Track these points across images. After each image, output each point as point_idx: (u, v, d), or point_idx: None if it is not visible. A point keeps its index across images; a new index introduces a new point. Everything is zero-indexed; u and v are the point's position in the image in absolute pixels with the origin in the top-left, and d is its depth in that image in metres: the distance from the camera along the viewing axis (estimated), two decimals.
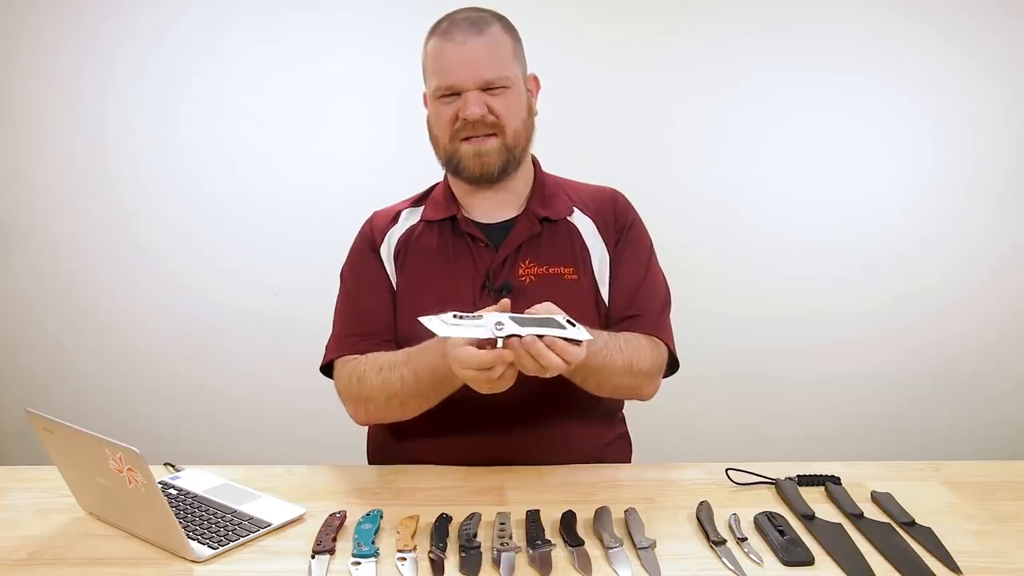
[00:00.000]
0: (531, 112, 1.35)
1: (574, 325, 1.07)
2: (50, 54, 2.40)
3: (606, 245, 1.37)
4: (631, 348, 1.25)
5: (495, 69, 1.26)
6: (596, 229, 1.38)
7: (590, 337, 1.09)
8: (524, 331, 1.05)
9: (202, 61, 2.39)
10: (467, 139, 1.29)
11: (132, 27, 2.38)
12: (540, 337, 1.05)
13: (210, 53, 2.39)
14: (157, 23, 2.37)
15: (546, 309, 1.10)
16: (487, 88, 1.27)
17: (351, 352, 1.33)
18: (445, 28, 1.28)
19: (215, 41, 2.38)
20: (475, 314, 1.06)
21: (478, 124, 1.27)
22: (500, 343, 1.06)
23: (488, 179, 1.32)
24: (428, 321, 1.06)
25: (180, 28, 2.38)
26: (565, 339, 1.06)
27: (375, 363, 1.27)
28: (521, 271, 1.32)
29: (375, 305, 1.37)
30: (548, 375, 1.07)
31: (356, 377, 1.28)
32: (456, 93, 1.27)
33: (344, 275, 1.44)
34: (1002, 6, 2.32)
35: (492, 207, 1.37)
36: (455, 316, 1.06)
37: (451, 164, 1.33)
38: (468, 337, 1.06)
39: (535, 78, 1.38)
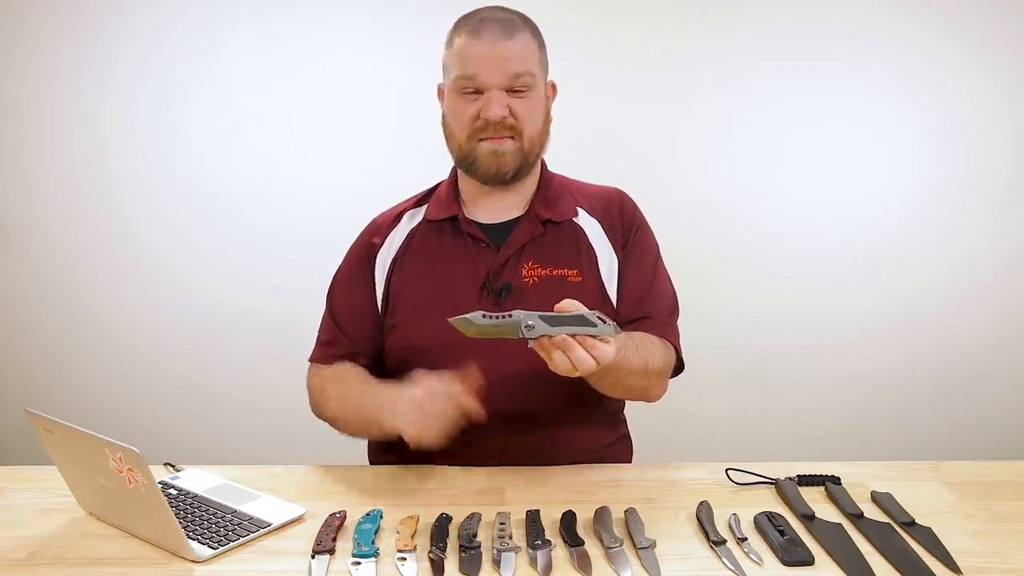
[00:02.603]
0: (548, 118, 1.35)
1: (605, 322, 1.06)
2: (50, 54, 2.40)
3: (613, 248, 1.36)
4: (646, 348, 1.24)
5: (522, 68, 1.26)
6: (603, 231, 1.37)
7: (620, 332, 1.09)
8: (554, 331, 1.04)
9: (202, 61, 2.39)
10: (485, 139, 1.29)
11: (132, 27, 2.38)
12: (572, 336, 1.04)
13: (210, 53, 2.39)
14: (157, 23, 2.37)
15: (576, 307, 1.07)
16: (510, 89, 1.26)
17: (326, 363, 1.40)
18: (474, 26, 1.27)
19: (215, 41, 2.38)
20: (504, 314, 1.05)
21: (498, 125, 1.27)
22: (530, 344, 1.05)
23: (502, 179, 1.32)
24: (457, 321, 1.05)
25: (180, 28, 2.37)
26: (594, 336, 1.05)
27: (338, 388, 1.34)
28: (524, 272, 1.32)
29: (353, 328, 1.40)
30: (577, 374, 1.07)
31: (319, 392, 1.38)
32: (479, 91, 1.27)
33: (334, 284, 1.45)
34: (1004, 7, 2.32)
35: (498, 208, 1.37)
36: (484, 315, 1.05)
37: (466, 162, 1.33)
38: (496, 337, 1.05)
39: (553, 84, 1.37)
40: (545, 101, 1.34)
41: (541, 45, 1.32)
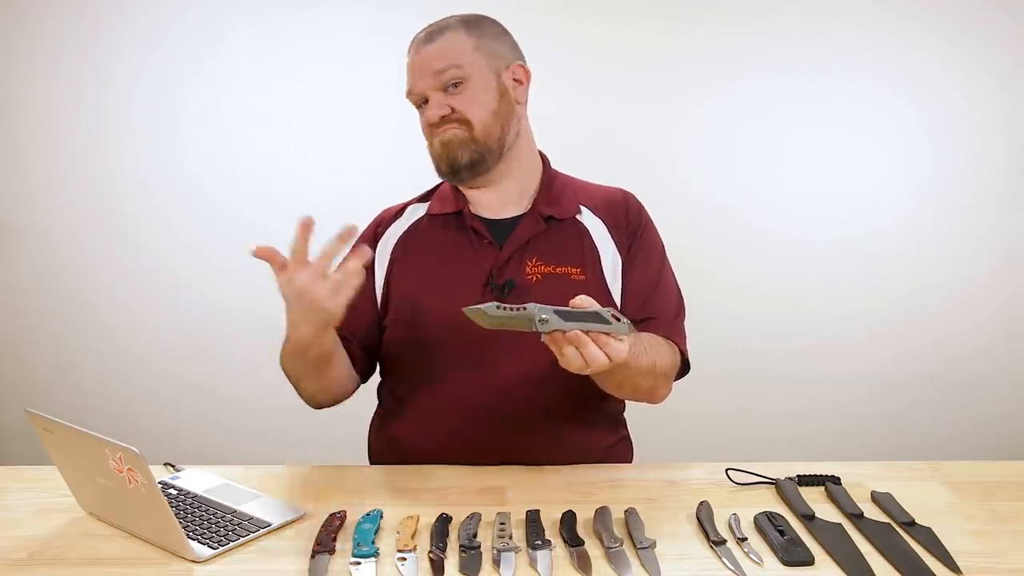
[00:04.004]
0: (510, 102, 1.32)
1: (619, 319, 1.05)
2: (50, 54, 2.40)
3: (618, 248, 1.35)
4: (654, 349, 1.24)
5: (443, 64, 1.28)
6: (607, 231, 1.36)
7: (634, 331, 1.08)
8: (568, 326, 1.03)
9: (202, 61, 2.39)
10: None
11: (132, 27, 2.38)
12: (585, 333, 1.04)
13: (210, 53, 2.39)
14: (157, 23, 2.38)
15: (590, 303, 1.06)
16: (446, 88, 1.28)
17: None
18: (411, 45, 1.33)
19: (215, 41, 2.38)
20: (519, 306, 1.04)
21: (443, 122, 1.29)
22: (543, 338, 1.05)
23: (456, 170, 1.31)
24: (471, 311, 1.05)
25: (180, 28, 2.38)
26: (608, 334, 1.04)
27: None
28: (528, 269, 1.32)
29: (348, 316, 1.36)
30: (589, 371, 1.06)
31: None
32: (427, 100, 1.30)
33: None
34: (1002, 6, 2.32)
35: (496, 204, 1.37)
36: (498, 307, 1.04)
37: (435, 166, 1.34)
38: (508, 329, 1.04)
39: (522, 67, 1.35)
40: (496, 85, 1.31)
41: (481, 35, 1.31)
